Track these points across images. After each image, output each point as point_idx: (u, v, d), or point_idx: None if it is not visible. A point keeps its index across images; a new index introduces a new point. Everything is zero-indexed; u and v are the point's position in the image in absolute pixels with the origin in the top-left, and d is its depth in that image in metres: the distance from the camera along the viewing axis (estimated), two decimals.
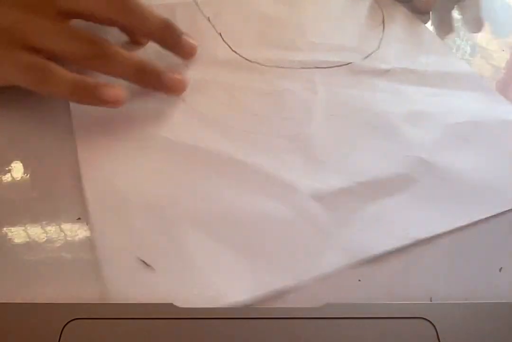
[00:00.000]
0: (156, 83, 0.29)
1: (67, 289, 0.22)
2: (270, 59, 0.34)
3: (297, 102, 0.31)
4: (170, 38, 0.30)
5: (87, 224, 0.24)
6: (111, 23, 0.30)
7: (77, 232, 0.24)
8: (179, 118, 0.29)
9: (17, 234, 0.24)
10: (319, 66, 0.33)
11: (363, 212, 0.25)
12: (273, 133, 0.29)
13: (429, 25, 0.39)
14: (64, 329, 0.20)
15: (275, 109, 0.30)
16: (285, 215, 0.25)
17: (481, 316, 0.21)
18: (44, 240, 0.24)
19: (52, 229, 0.24)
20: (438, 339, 0.20)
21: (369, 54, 0.35)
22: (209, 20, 0.36)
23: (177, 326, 0.20)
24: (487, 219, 0.26)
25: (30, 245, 0.23)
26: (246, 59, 0.33)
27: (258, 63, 0.33)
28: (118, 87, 0.27)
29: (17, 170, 0.26)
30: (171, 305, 0.21)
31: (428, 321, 0.20)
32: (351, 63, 0.34)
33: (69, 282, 0.22)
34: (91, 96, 0.26)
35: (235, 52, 0.34)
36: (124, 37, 0.33)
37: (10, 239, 0.24)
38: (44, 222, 0.24)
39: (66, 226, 0.24)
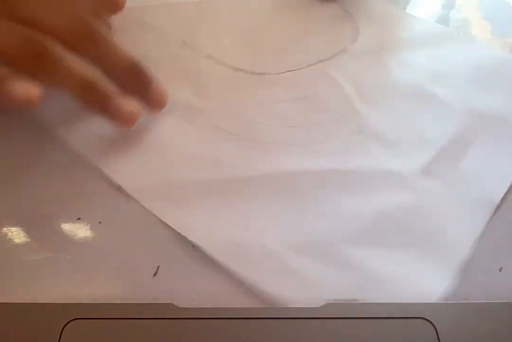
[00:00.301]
0: (102, 107, 0.25)
1: (67, 289, 0.22)
2: (275, 67, 0.33)
3: (333, 100, 0.31)
4: (138, 81, 0.26)
5: (87, 224, 0.24)
6: (72, 47, 0.24)
7: (77, 232, 0.24)
8: (237, 152, 0.28)
9: (17, 234, 0.24)
10: (322, 59, 0.34)
11: (467, 164, 0.27)
12: (337, 135, 0.29)
13: None
14: (64, 329, 0.20)
15: (319, 115, 0.30)
16: (414, 201, 0.25)
17: (481, 316, 0.21)
18: (44, 240, 0.24)
19: (52, 229, 0.24)
20: (438, 339, 0.20)
21: (356, 38, 0.36)
22: (184, 42, 0.34)
23: (177, 326, 0.20)
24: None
25: (30, 245, 0.23)
26: (253, 73, 0.33)
27: (267, 73, 0.33)
28: (32, 83, 0.23)
29: (17, 170, 0.26)
30: (171, 305, 0.21)
31: (428, 321, 0.20)
32: (346, 49, 0.35)
33: (69, 282, 0.22)
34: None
35: (239, 69, 0.33)
36: None
37: (10, 239, 0.24)
38: (44, 222, 0.24)
39: (66, 226, 0.24)
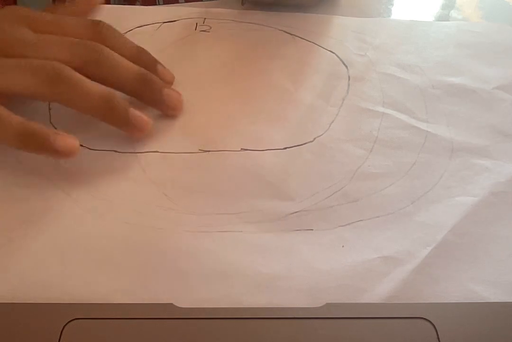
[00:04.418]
0: (120, 122, 0.26)
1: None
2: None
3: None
4: (150, 91, 0.27)
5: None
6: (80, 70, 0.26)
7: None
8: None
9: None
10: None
11: None
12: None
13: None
14: (64, 329, 0.20)
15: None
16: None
17: (481, 316, 0.21)
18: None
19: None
20: (438, 339, 0.20)
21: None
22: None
23: (177, 326, 0.20)
24: None
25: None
26: None
27: None
28: (71, 136, 0.24)
29: None
30: (171, 305, 0.21)
31: (428, 321, 0.20)
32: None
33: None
34: (40, 144, 0.24)
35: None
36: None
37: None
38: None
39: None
